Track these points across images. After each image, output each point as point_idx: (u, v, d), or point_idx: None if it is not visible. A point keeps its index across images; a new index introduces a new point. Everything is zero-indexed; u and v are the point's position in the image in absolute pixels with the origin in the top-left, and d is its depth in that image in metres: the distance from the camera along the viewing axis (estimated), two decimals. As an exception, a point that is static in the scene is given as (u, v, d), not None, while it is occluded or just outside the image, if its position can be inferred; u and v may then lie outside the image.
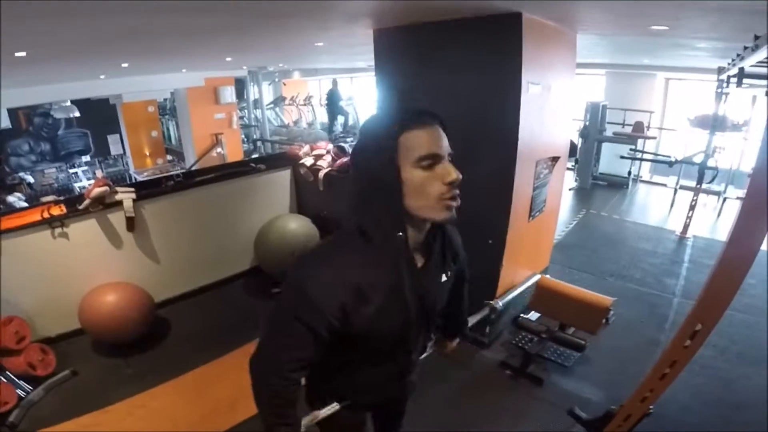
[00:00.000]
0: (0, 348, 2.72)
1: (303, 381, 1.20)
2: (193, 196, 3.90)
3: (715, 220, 6.00)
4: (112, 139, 9.71)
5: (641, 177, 7.83)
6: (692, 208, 5.23)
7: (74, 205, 3.31)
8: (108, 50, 3.60)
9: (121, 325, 3.06)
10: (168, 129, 11.18)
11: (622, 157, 7.05)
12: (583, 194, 7.10)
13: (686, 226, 5.25)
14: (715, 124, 5.17)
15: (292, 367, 1.01)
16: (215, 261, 4.14)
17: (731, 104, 5.29)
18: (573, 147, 6.08)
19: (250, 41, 4.15)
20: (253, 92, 9.48)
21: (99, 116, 9.19)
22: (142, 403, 2.71)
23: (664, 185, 7.40)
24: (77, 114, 8.03)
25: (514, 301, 3.12)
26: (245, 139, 10.06)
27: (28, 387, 2.76)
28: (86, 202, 3.27)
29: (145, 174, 9.39)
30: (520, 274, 3.32)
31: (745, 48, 2.60)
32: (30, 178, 8.55)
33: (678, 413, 2.50)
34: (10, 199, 7.45)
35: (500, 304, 2.92)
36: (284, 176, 4.54)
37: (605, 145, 7.45)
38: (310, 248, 1.04)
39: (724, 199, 6.37)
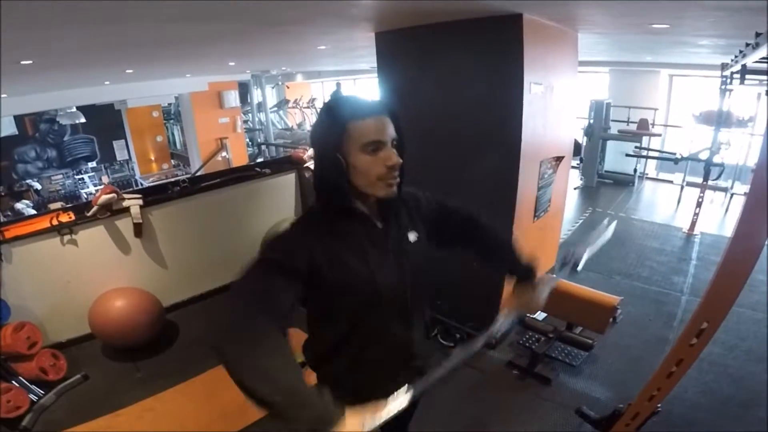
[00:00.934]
0: (12, 353, 2.76)
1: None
2: (199, 201, 3.93)
3: (722, 217, 5.95)
4: (118, 145, 9.75)
5: (647, 174, 7.77)
6: (699, 204, 5.19)
7: (82, 212, 3.34)
8: (113, 57, 3.63)
9: (131, 329, 3.09)
10: (173, 134, 11.19)
11: (628, 155, 7.01)
12: (588, 193, 7.05)
13: (693, 223, 5.20)
14: (720, 120, 5.14)
15: (263, 302, 0.95)
16: (222, 265, 4.10)
17: (736, 100, 5.26)
18: (577, 146, 6.07)
19: (253, 46, 4.17)
20: (256, 96, 9.54)
21: (104, 122, 9.26)
22: (152, 407, 2.74)
23: (671, 182, 7.34)
24: (83, 120, 8.12)
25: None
26: (250, 143, 10.08)
27: (40, 392, 2.80)
28: (94, 209, 3.30)
29: (151, 179, 9.46)
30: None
31: (747, 45, 2.59)
32: (37, 185, 8.60)
33: (688, 411, 2.49)
34: (19, 206, 7.51)
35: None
36: (289, 180, 4.55)
37: (610, 143, 7.42)
38: None
39: (731, 196, 6.33)
